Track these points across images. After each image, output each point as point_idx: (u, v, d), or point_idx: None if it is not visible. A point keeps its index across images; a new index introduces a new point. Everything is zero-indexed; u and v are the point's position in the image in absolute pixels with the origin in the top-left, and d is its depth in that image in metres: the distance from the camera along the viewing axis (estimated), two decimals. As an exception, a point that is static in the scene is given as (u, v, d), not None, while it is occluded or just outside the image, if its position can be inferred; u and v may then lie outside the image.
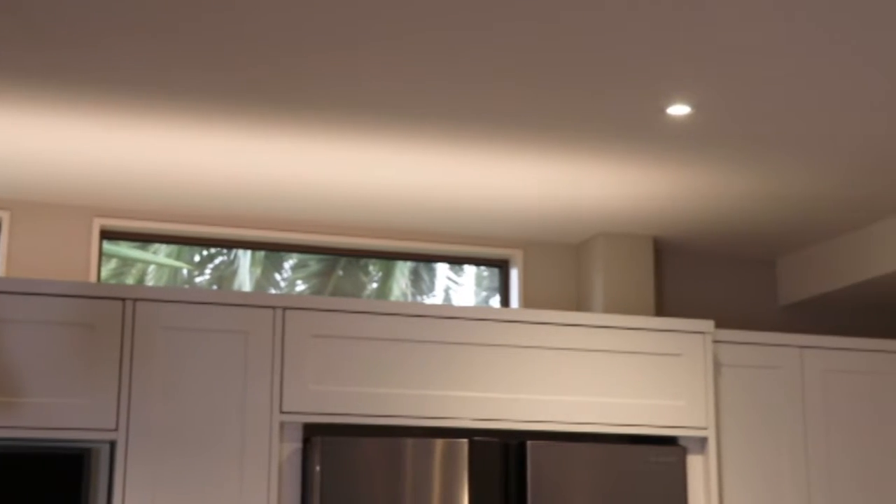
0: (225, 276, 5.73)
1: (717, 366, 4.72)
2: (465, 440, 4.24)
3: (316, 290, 5.80)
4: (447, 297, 6.50)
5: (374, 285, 6.28)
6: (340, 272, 5.97)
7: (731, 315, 5.71)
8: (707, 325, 4.64)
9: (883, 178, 4.57)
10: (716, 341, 4.72)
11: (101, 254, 5.00)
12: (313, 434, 4.35)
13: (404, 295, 6.21)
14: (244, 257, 5.67)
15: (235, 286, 5.72)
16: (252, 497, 4.08)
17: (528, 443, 4.30)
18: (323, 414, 4.20)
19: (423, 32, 3.33)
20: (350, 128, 4.06)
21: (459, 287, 6.69)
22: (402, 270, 6.25)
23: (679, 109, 3.88)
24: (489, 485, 4.23)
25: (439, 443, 4.21)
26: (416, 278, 6.58)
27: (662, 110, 3.90)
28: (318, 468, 4.07)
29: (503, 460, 4.28)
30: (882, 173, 4.52)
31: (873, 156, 4.33)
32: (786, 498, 4.70)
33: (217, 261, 5.69)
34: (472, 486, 4.21)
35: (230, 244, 5.28)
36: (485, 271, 5.81)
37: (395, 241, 5.35)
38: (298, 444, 4.19)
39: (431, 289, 6.76)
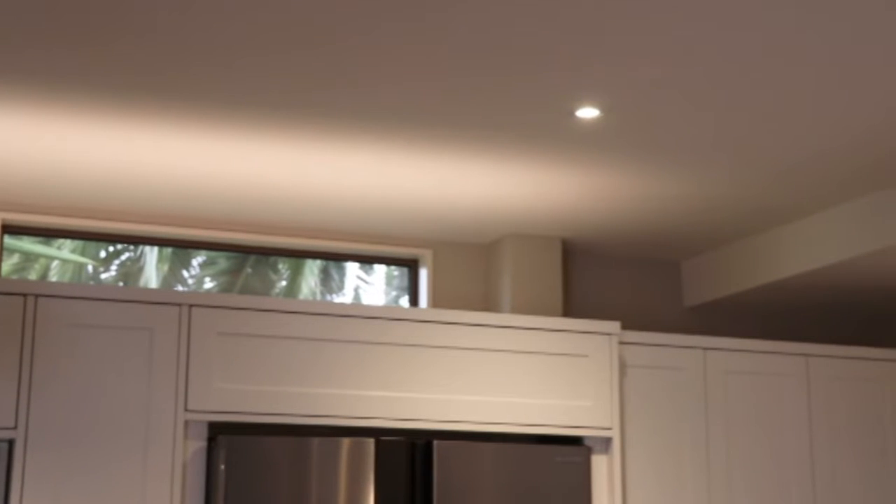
0: (131, 272, 5.66)
1: (623, 367, 4.78)
2: (372, 439, 4.23)
3: (225, 288, 5.76)
4: (357, 296, 6.49)
5: (284, 283, 6.24)
6: (249, 270, 5.93)
7: (637, 316, 5.78)
8: (613, 326, 4.69)
9: (786, 184, 4.67)
10: (621, 342, 4.78)
11: (1, 248, 4.90)
12: (218, 433, 4.31)
13: (313, 293, 6.19)
14: (151, 254, 5.60)
15: (142, 283, 5.65)
16: (155, 497, 4.03)
17: (435, 442, 4.31)
18: (228, 413, 4.17)
19: (333, 31, 3.32)
20: (259, 125, 4.03)
21: (369, 286, 6.68)
22: (312, 269, 6.22)
23: (588, 112, 3.92)
24: (395, 484, 4.24)
25: (346, 442, 4.20)
26: (325, 277, 6.55)
27: (571, 113, 3.93)
28: (222, 467, 4.04)
29: (409, 460, 4.28)
30: (785, 179, 4.61)
31: (777, 162, 4.42)
32: (686, 496, 4.77)
33: (123, 257, 5.61)
34: (378, 486, 4.21)
35: (136, 240, 5.21)
36: (395, 271, 5.81)
37: (305, 239, 5.33)
38: (203, 443, 4.15)
39: (341, 288, 6.74)
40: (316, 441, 4.16)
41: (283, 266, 6.02)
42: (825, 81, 3.66)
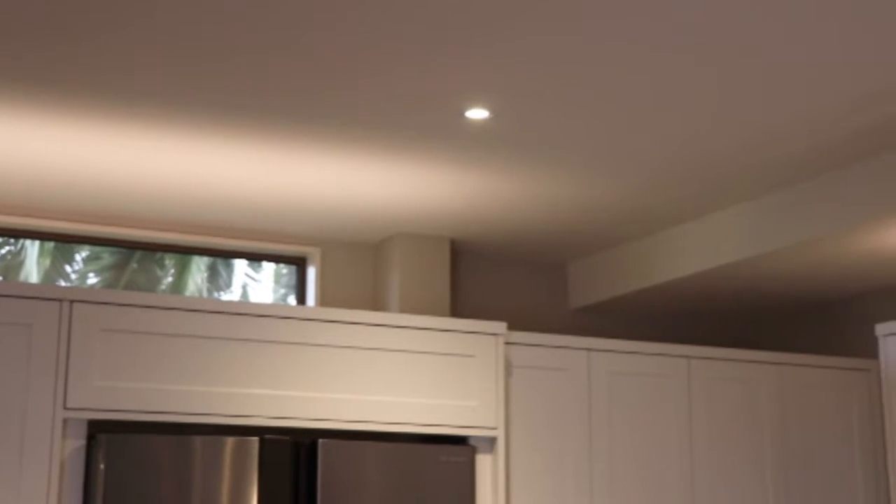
0: (11, 266, 5.53)
1: (509, 367, 4.81)
2: (256, 438, 4.20)
3: (109, 284, 5.65)
4: (245, 294, 6.42)
5: (170, 280, 6.16)
6: (135, 265, 5.84)
7: (523, 317, 5.83)
8: (499, 326, 4.72)
9: (670, 188, 4.75)
10: (507, 343, 4.81)
11: None
12: (98, 431, 4.24)
13: (200, 290, 6.11)
14: (32, 248, 5.48)
15: (22, 277, 5.52)
16: (30, 498, 3.94)
17: (320, 441, 4.29)
18: (109, 410, 4.09)
19: (219, 26, 3.28)
20: (145, 119, 3.97)
21: (258, 284, 6.62)
22: (199, 266, 6.15)
23: (477, 113, 3.94)
24: (279, 483, 4.21)
25: (229, 441, 4.16)
26: (213, 274, 6.48)
27: (461, 114, 3.95)
28: (101, 466, 3.97)
29: (294, 459, 4.26)
30: (669, 184, 4.70)
31: (662, 166, 4.49)
32: (569, 495, 4.82)
33: (3, 251, 5.48)
34: (261, 485, 4.17)
35: (16, 234, 5.09)
36: (283, 269, 5.77)
37: (192, 235, 5.26)
38: (82, 442, 4.07)
39: (229, 285, 6.68)
40: (199, 440, 4.12)
41: (169, 262, 5.94)
42: (709, 87, 3.74)
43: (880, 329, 4.64)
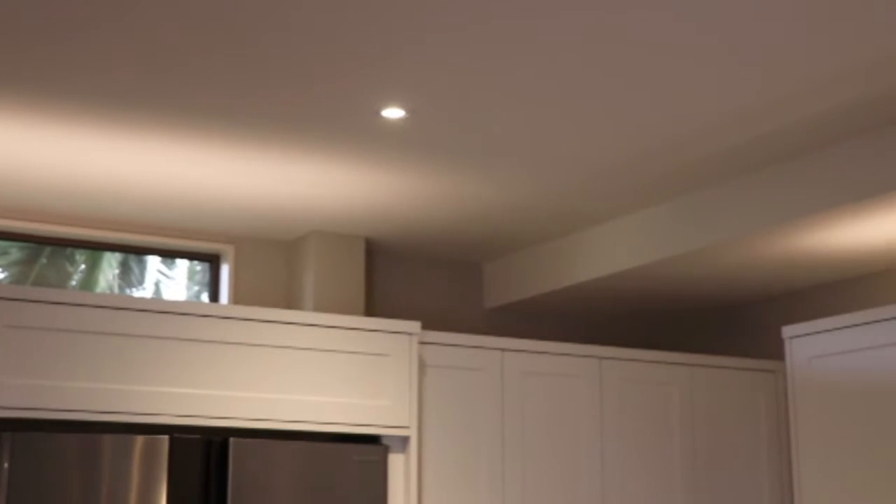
0: (-85, 260, 5.41)
1: (423, 366, 4.82)
2: (167, 437, 4.15)
3: (17, 279, 5.56)
4: (158, 291, 6.35)
5: (80, 276, 6.07)
6: (44, 261, 5.75)
7: (438, 317, 5.85)
8: (414, 326, 4.73)
9: (584, 190, 4.79)
10: (422, 342, 4.82)
11: None
12: (3, 430, 4.16)
13: (111, 287, 6.04)
14: (-63, 242, 5.36)
15: (-73, 272, 5.40)
16: (-67, 495, 3.86)
17: (231, 440, 4.26)
18: (15, 409, 4.02)
19: (127, 20, 3.24)
20: (57, 113, 3.91)
21: (171, 281, 6.55)
22: (111, 262, 6.07)
23: (393, 112, 3.94)
24: (189, 482, 4.17)
25: (139, 439, 4.11)
26: (125, 270, 6.40)
27: (377, 112, 3.94)
28: (5, 465, 3.90)
29: (205, 458, 4.22)
30: (583, 186, 4.74)
31: (576, 168, 4.53)
32: (482, 495, 4.84)
33: None
34: (171, 484, 4.13)
35: (-78, 227, 4.98)
36: (198, 266, 5.72)
37: (104, 231, 5.19)
38: (-13, 440, 4.00)
39: (142, 282, 6.59)
40: (108, 438, 4.06)
41: (79, 258, 5.85)
42: (618, 93, 3.78)
43: (787, 331, 4.73)
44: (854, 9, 3.20)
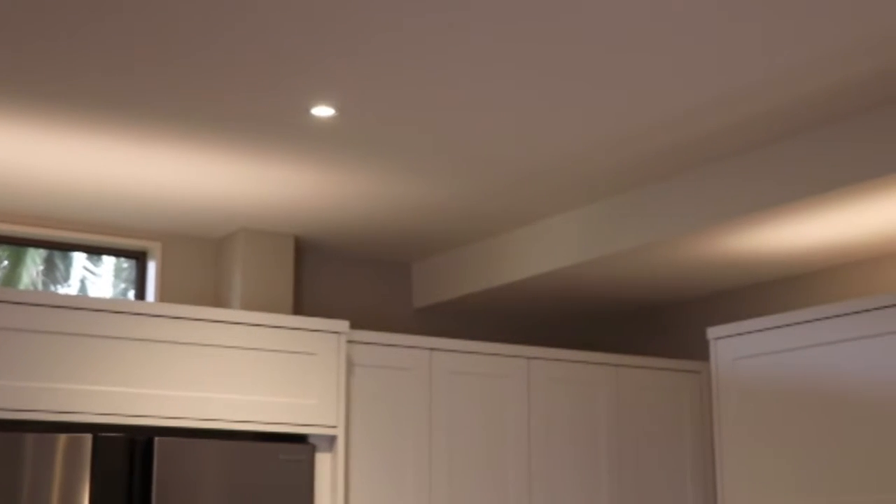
0: None
1: (351, 365, 4.81)
2: (90, 436, 4.10)
3: (-62, 275, 5.46)
4: (84, 288, 6.27)
5: (3, 272, 5.98)
6: (-34, 257, 5.65)
7: (367, 316, 5.84)
8: (342, 325, 4.72)
9: (513, 190, 4.82)
10: (350, 341, 4.81)
11: None
12: (-77, 427, 4.09)
13: (35, 283, 5.95)
14: None
15: None
16: None
17: (156, 439, 4.22)
18: (-66, 406, 3.95)
19: (61, 17, 3.20)
20: (-21, 105, 3.85)
21: (97, 278, 6.47)
22: (34, 258, 5.98)
23: (323, 111, 3.93)
24: (113, 482, 4.12)
25: (62, 438, 4.06)
26: (49, 267, 6.31)
27: (307, 111, 3.93)
28: (-75, 464, 3.83)
29: (129, 457, 4.18)
30: (513, 186, 4.76)
31: (505, 168, 4.55)
32: (408, 494, 4.85)
33: None
34: (94, 483, 4.08)
35: None
36: (124, 263, 5.66)
37: (27, 226, 5.11)
38: None
39: (67, 278, 6.51)
40: (30, 437, 4.00)
41: (2, 254, 5.76)
42: (545, 95, 3.80)
43: (711, 332, 4.79)
44: (786, 7, 3.25)
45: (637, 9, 3.20)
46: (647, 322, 6.08)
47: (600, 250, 4.91)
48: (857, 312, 4.19)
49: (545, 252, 5.19)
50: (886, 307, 4.09)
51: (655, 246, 4.76)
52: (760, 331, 4.56)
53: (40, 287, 5.82)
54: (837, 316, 4.26)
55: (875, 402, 4.11)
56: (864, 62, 3.57)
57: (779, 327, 4.48)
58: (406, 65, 3.56)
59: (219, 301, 5.42)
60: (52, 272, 6.25)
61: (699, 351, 5.74)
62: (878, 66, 3.59)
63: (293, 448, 4.49)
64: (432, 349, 5.01)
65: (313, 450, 4.54)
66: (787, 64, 3.57)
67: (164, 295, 5.33)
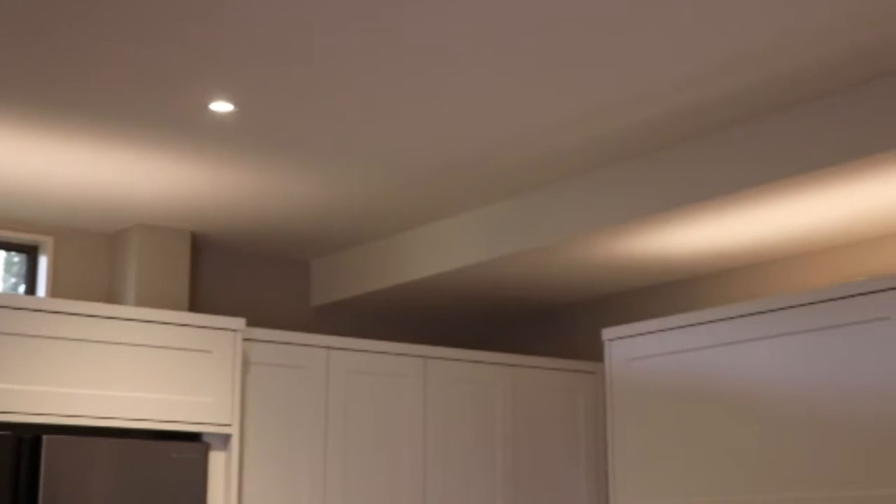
0: None
1: (247, 363, 4.77)
2: (-24, 433, 4.01)
3: None
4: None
5: None
6: None
7: (264, 314, 5.80)
8: (238, 322, 4.68)
9: (410, 192, 4.82)
10: (246, 339, 4.77)
11: None
12: None
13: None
14: None
15: None
16: None
17: (44, 437, 4.14)
18: None
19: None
20: None
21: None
22: (-80, 250, 5.82)
23: (222, 106, 3.89)
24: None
25: (-54, 436, 3.96)
26: (-64, 260, 6.15)
27: (205, 106, 3.89)
28: None
29: (15, 455, 4.09)
30: (410, 187, 4.77)
31: (402, 168, 4.55)
32: (303, 493, 4.82)
33: None
34: (-21, 482, 3.99)
35: None
36: (15, 257, 5.54)
37: (-87, 218, 4.98)
38: None
39: (-46, 272, 6.35)
40: (-88, 434, 3.90)
41: None
42: (453, 92, 3.81)
43: (606, 333, 4.85)
44: (675, 22, 3.31)
45: (532, 8, 3.23)
46: (543, 323, 6.13)
47: (497, 251, 4.94)
48: (748, 315, 4.28)
49: (443, 252, 5.20)
50: (776, 310, 4.18)
51: (551, 248, 4.80)
52: (654, 332, 4.63)
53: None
54: (729, 318, 4.34)
55: (764, 403, 4.20)
56: (739, 77, 3.64)
57: (672, 329, 4.56)
58: (305, 60, 3.54)
59: (113, 297, 5.34)
60: (-61, 265, 6.09)
61: (594, 352, 5.80)
62: (751, 80, 3.67)
63: (186, 446, 4.43)
64: (329, 348, 4.99)
65: (207, 448, 4.49)
66: (675, 73, 3.63)
67: (55, 290, 5.23)
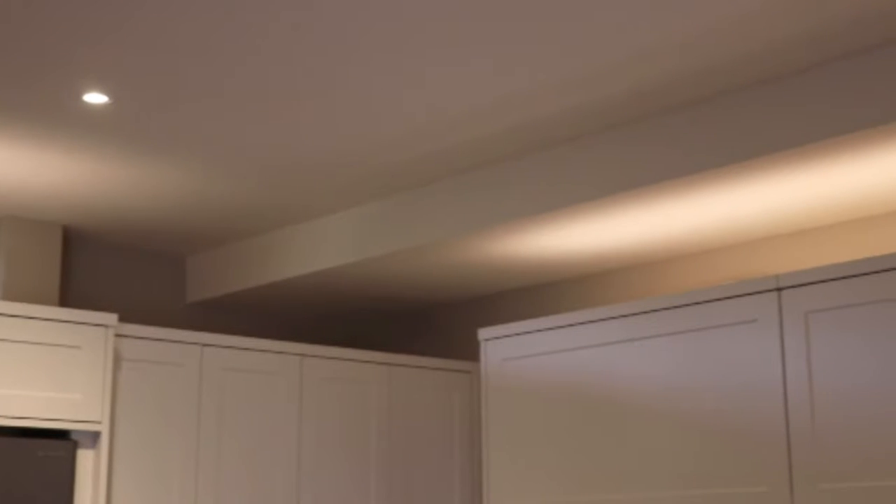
0: None
1: (118, 360, 4.69)
2: None
3: None
4: None
5: None
6: None
7: (138, 310, 5.71)
8: (110, 318, 4.60)
9: (286, 188, 4.80)
10: (118, 335, 4.69)
11: None
12: None
13: None
14: None
15: None
16: None
17: None
18: None
19: None
20: None
21: None
22: None
23: (96, 98, 3.82)
24: None
25: None
26: None
27: (79, 97, 3.81)
28: None
29: None
30: (286, 184, 4.74)
31: (279, 166, 4.53)
32: (174, 491, 4.76)
33: None
34: None
35: None
36: None
37: None
38: None
39: None
40: None
41: None
42: (329, 89, 3.81)
43: (482, 333, 4.89)
44: (578, 16, 3.35)
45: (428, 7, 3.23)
46: (419, 322, 6.15)
47: (373, 250, 4.94)
48: (624, 316, 4.34)
49: (320, 250, 5.19)
50: (646, 312, 4.26)
51: (427, 248, 4.82)
52: (529, 332, 4.68)
53: None
54: (605, 319, 4.41)
55: (634, 404, 4.28)
56: (607, 86, 3.71)
57: (548, 329, 4.61)
58: (180, 53, 3.50)
59: (-21, 290, 5.20)
60: None
61: (470, 351, 5.84)
62: (631, 85, 3.74)
63: (52, 444, 4.34)
64: (204, 345, 4.93)
65: (75, 446, 4.41)
66: (566, 74, 3.67)
67: (-81, 282, 5.08)
